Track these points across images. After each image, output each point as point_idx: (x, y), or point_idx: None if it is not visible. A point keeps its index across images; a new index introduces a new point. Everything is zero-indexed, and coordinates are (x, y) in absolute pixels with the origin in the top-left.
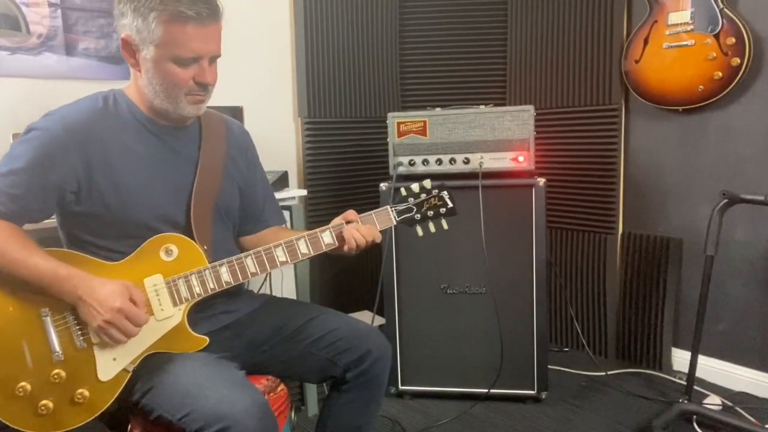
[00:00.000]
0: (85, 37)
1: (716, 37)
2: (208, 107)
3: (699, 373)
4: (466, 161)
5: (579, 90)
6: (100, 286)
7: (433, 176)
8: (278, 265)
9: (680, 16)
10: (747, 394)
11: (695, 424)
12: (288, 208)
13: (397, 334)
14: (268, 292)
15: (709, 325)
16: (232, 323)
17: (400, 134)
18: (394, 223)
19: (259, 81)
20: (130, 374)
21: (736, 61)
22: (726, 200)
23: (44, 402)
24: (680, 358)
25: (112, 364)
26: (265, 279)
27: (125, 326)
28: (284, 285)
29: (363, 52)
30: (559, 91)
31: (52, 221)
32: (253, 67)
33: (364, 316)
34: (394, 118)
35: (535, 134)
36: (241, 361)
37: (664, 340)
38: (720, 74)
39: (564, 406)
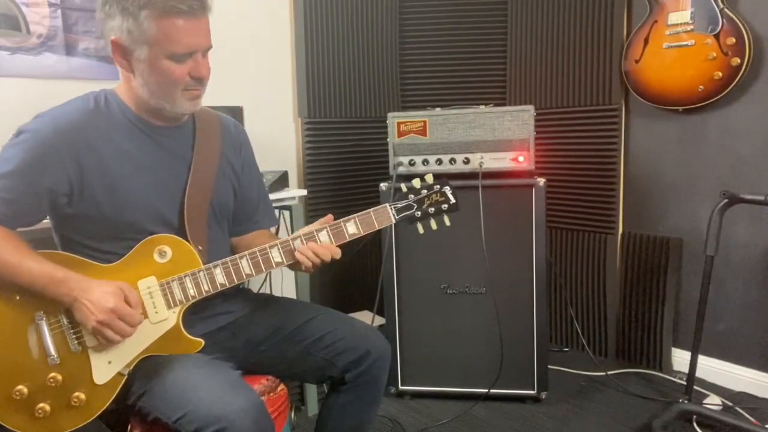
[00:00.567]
0: (85, 37)
1: (716, 37)
2: (204, 106)
3: (699, 373)
4: (466, 161)
5: (579, 90)
6: (95, 287)
7: (433, 176)
8: (274, 266)
9: (680, 16)
10: (747, 394)
11: (695, 424)
12: (288, 208)
13: (397, 334)
14: (268, 291)
15: (709, 325)
16: (230, 323)
17: (400, 134)
18: (393, 221)
19: (259, 81)
20: (126, 377)
21: (736, 61)
22: (726, 200)
23: (41, 405)
24: (680, 358)
25: (107, 368)
26: (265, 279)
27: (119, 326)
28: (284, 285)
29: (363, 52)
30: (559, 91)
31: (46, 224)
32: (253, 67)
33: (364, 316)
34: (394, 118)
35: (535, 134)
36: (239, 362)
37: (664, 340)
38: (720, 74)
39: (564, 406)
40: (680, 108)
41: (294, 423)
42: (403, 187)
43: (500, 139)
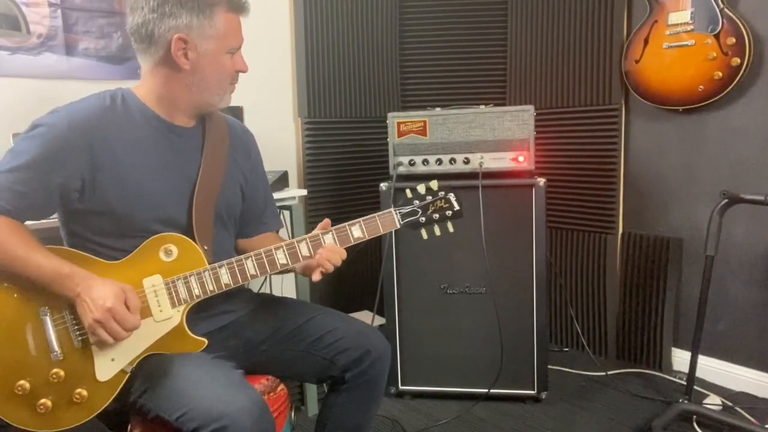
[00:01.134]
0: (85, 37)
1: (716, 37)
2: None
3: (699, 373)
4: (466, 161)
5: (579, 90)
6: (98, 285)
7: (433, 176)
8: (279, 268)
9: (680, 16)
10: (747, 394)
11: (695, 424)
12: (288, 208)
13: (397, 334)
14: (268, 291)
15: (709, 325)
16: (231, 323)
17: (400, 134)
18: (398, 226)
19: (259, 81)
20: (128, 375)
21: (736, 61)
22: (726, 200)
23: (43, 401)
24: (680, 358)
25: (110, 365)
26: (266, 279)
27: (112, 328)
28: (284, 285)
29: (363, 52)
30: (559, 91)
31: (51, 221)
32: (253, 67)
33: (364, 316)
34: (394, 118)
35: (535, 134)
36: (239, 361)
37: (664, 340)
38: (720, 74)
39: (564, 406)
40: (680, 108)
41: (294, 423)
42: (408, 192)
43: (500, 139)
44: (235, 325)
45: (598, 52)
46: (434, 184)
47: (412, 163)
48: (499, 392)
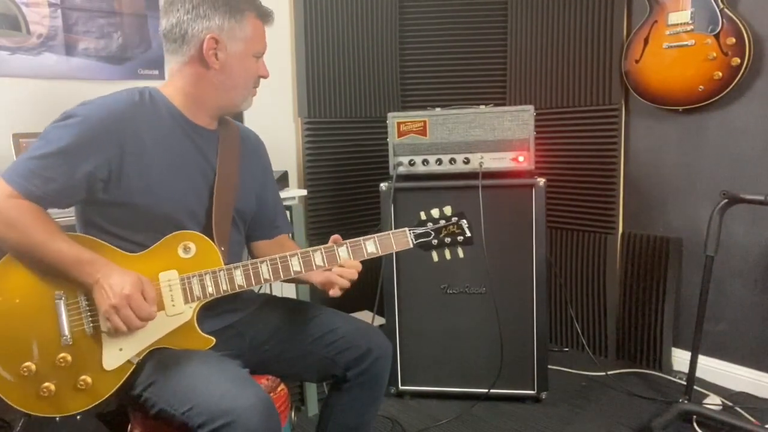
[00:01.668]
0: (85, 37)
1: (716, 37)
2: None
3: (699, 373)
4: (466, 161)
5: (579, 90)
6: (117, 273)
7: (433, 176)
8: (292, 274)
9: (680, 16)
10: (747, 394)
11: (695, 424)
12: (288, 208)
13: (397, 334)
14: (268, 292)
15: (709, 325)
16: (235, 322)
17: (400, 134)
18: (411, 245)
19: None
20: (134, 366)
21: (736, 61)
22: (726, 200)
23: (47, 384)
24: (680, 358)
25: (117, 354)
26: None
27: (127, 315)
28: (285, 285)
29: (363, 52)
30: (559, 91)
31: (67, 217)
32: None
33: (364, 316)
34: (394, 118)
35: (535, 134)
36: (244, 360)
37: (664, 340)
38: (720, 74)
39: (564, 406)
40: (680, 108)
41: (294, 423)
42: (422, 214)
43: (500, 139)
44: (240, 325)
45: (598, 52)
46: (448, 210)
47: (412, 163)
48: (499, 392)
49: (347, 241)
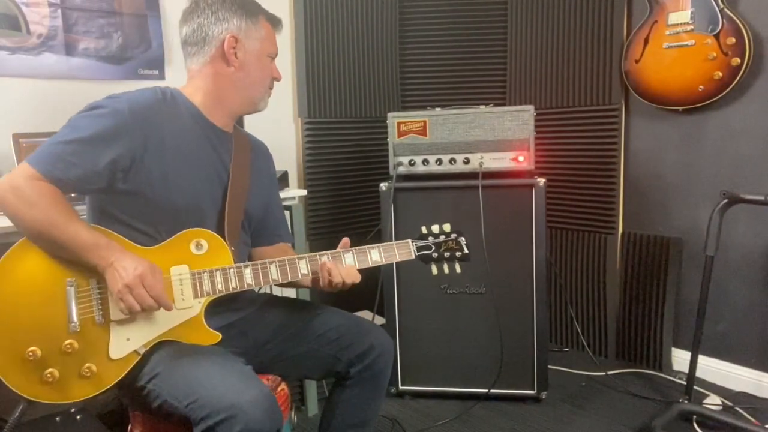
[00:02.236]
0: (85, 37)
1: (716, 37)
2: None
3: (699, 373)
4: (466, 161)
5: (579, 90)
6: (131, 258)
7: (433, 176)
8: (299, 277)
9: (680, 16)
10: (747, 394)
11: (695, 424)
12: (288, 208)
13: (397, 334)
14: (268, 291)
15: (709, 325)
16: (238, 321)
17: (400, 134)
18: (413, 256)
19: None
20: (140, 357)
21: (736, 61)
22: (726, 200)
23: (51, 370)
24: (680, 358)
25: (124, 344)
26: None
27: (140, 293)
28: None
29: (363, 52)
30: (559, 91)
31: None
32: None
33: (365, 316)
34: (394, 118)
35: (535, 134)
36: (247, 359)
37: (664, 340)
38: (720, 74)
39: (564, 406)
40: (680, 108)
41: (294, 423)
42: (424, 228)
43: (500, 139)
44: (243, 323)
45: (598, 52)
46: (447, 227)
47: (412, 163)
48: (499, 392)
49: (353, 248)
